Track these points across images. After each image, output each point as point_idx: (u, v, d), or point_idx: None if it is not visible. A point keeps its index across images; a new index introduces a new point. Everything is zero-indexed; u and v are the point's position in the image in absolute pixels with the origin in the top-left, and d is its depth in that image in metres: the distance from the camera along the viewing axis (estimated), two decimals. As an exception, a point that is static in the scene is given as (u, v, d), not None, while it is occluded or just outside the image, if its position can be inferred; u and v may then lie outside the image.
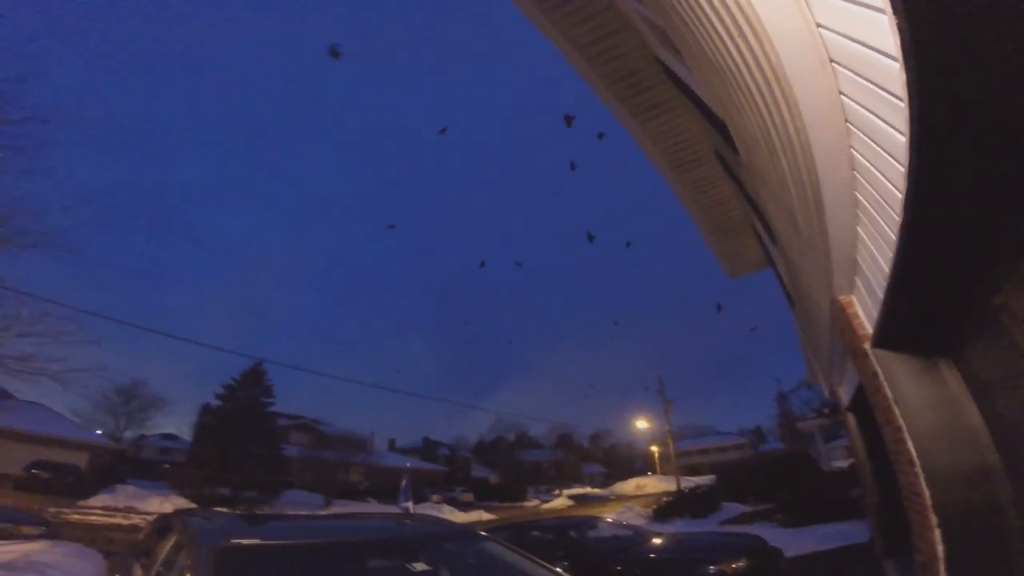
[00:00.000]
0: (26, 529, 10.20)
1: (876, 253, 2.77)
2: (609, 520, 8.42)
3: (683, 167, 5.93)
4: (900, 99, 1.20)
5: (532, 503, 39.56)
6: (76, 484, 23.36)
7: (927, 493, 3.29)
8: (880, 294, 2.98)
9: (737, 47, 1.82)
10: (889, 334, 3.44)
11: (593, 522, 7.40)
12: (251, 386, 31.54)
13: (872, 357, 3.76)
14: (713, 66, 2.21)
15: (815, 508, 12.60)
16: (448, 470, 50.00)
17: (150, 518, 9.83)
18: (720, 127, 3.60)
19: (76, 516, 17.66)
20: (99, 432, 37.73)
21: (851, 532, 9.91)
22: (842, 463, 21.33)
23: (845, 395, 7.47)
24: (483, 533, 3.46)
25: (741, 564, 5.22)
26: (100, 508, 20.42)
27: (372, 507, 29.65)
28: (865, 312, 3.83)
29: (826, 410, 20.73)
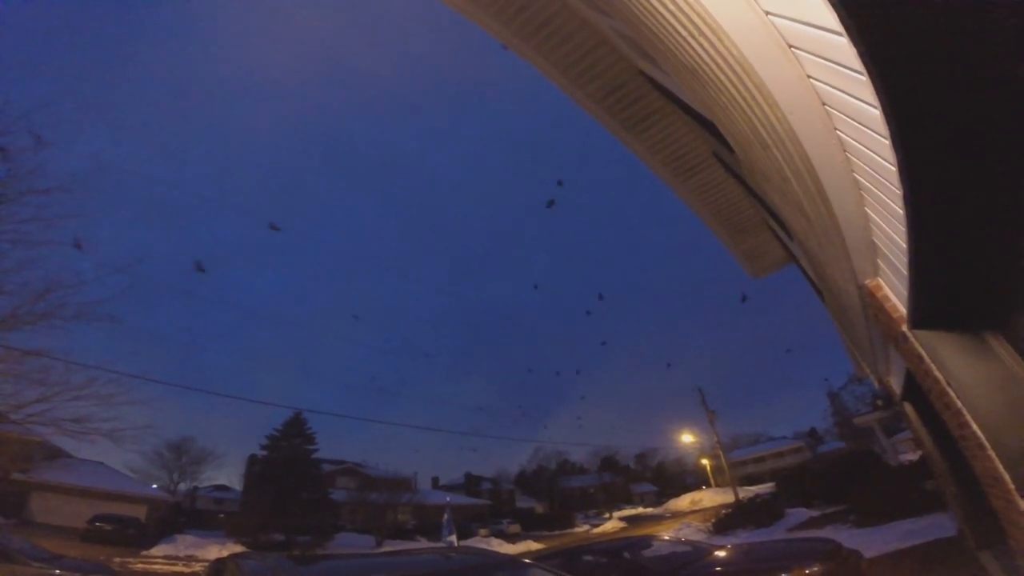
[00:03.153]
0: (95, 578, 10.60)
1: (890, 231, 2.67)
2: (666, 538, 8.08)
3: (685, 174, 5.88)
4: (861, 73, 1.19)
5: (582, 528, 38.43)
6: (137, 535, 24.23)
7: (1007, 477, 3.03)
8: (905, 272, 2.86)
9: (702, 46, 1.84)
10: (924, 313, 3.26)
11: (648, 541, 7.09)
12: (293, 435, 32.33)
13: (913, 340, 3.57)
14: (687, 69, 2.23)
15: (889, 505, 11.95)
16: (492, 503, 49.19)
17: (208, 566, 10.08)
18: (712, 129, 3.60)
19: (141, 565, 18.44)
20: (155, 486, 39.14)
21: (935, 526, 9.27)
22: (911, 456, 20.01)
23: (896, 384, 7.06)
24: (527, 561, 3.39)
25: (815, 570, 4.83)
26: (162, 557, 21.27)
27: (421, 545, 29.43)
28: (895, 293, 3.65)
29: (880, 402, 19.54)
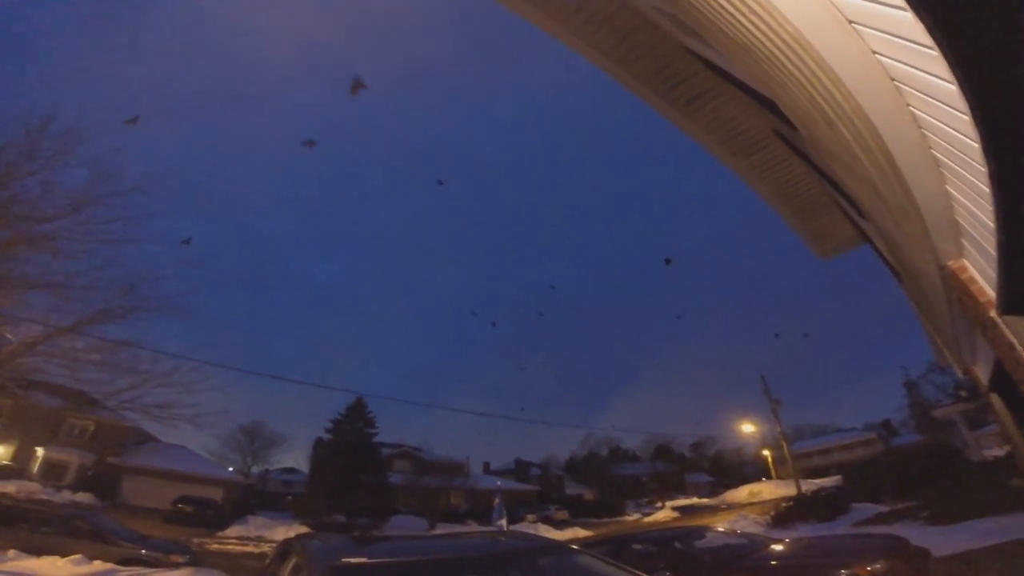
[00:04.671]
0: (174, 558, 11.70)
1: (975, 210, 2.44)
2: (720, 529, 7.88)
3: (743, 152, 5.56)
4: (932, 48, 1.09)
5: (632, 517, 38.12)
6: (214, 516, 26.28)
7: (1106, 476, 2.74)
8: (993, 253, 2.61)
9: (752, 23, 1.73)
10: (1016, 297, 2.96)
11: (701, 532, 6.92)
12: (355, 419, 33.76)
13: (1002, 326, 3.27)
14: (739, 46, 2.11)
15: (967, 502, 11.12)
16: (541, 489, 49.60)
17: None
18: (770, 106, 3.39)
19: (216, 545, 20.00)
20: (230, 469, 42.29)
21: (1016, 526, 8.61)
22: (996, 451, 18.28)
23: (983, 374, 6.46)
24: (575, 547, 3.44)
25: (878, 566, 4.55)
26: (235, 537, 22.92)
27: (472, 528, 30.30)
28: (982, 275, 3.35)
29: (964, 393, 17.87)
